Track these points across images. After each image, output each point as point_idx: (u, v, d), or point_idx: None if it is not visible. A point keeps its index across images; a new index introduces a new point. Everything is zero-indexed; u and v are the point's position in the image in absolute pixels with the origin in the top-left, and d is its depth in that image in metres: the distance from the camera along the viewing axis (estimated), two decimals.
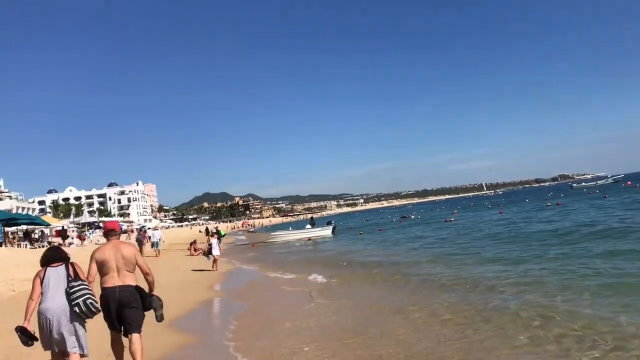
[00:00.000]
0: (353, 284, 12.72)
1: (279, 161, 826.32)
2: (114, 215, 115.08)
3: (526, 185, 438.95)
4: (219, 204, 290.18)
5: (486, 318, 7.47)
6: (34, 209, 79.19)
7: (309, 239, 35.04)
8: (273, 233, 41.50)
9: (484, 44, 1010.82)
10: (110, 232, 5.61)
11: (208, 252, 19.85)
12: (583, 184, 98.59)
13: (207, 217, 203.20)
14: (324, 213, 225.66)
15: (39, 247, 29.79)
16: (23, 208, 70.38)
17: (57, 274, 4.84)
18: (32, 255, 17.31)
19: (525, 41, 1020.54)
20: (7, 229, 32.75)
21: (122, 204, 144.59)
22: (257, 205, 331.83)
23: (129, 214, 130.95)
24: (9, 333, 5.11)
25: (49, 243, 33.01)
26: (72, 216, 68.29)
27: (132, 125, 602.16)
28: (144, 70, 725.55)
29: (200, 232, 62.62)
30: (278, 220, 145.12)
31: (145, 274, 5.47)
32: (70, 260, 5.06)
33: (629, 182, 75.07)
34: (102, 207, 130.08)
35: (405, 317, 8.11)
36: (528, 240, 18.43)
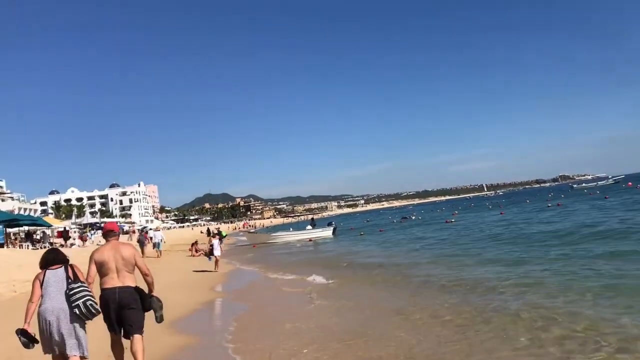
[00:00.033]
0: (353, 285, 12.70)
1: (279, 161, 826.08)
2: (116, 216, 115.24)
3: (527, 186, 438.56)
4: (220, 205, 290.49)
5: (487, 319, 7.44)
6: (35, 210, 79.58)
7: (310, 240, 35.03)
8: (274, 234, 41.46)
9: (484, 44, 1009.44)
10: (109, 233, 5.59)
11: (209, 253, 19.86)
12: (584, 184, 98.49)
13: (208, 218, 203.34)
14: (325, 214, 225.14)
15: (41, 248, 29.78)
16: (25, 209, 70.67)
17: (56, 276, 4.84)
18: (34, 256, 17.24)
19: (525, 41, 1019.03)
20: (9, 230, 32.75)
21: (124, 204, 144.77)
22: (258, 206, 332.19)
23: (130, 214, 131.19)
24: (10, 335, 5.10)
25: (51, 244, 33.08)
26: (74, 217, 68.25)
27: (133, 125, 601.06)
28: (144, 70, 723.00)
29: (201, 232, 62.69)
30: (279, 221, 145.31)
31: (145, 275, 5.46)
32: (70, 262, 5.06)
33: (630, 183, 74.86)
34: (103, 208, 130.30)
35: (405, 318, 8.09)
36: (529, 241, 18.42)
